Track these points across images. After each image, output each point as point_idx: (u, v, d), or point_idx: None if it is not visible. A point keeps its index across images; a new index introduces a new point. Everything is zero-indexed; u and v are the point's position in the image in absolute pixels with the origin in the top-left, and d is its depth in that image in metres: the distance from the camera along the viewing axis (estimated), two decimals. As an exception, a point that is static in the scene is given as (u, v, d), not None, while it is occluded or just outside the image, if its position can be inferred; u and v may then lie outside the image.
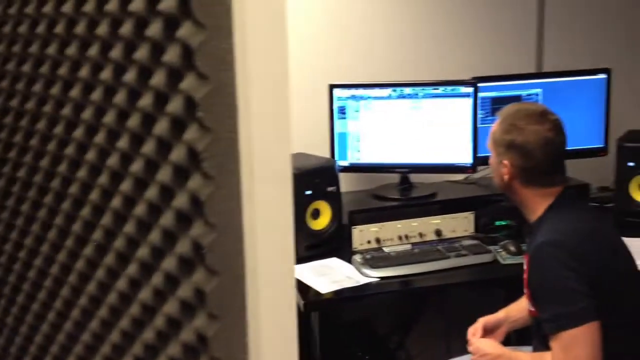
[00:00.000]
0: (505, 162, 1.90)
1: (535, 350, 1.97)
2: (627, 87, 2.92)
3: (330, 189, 2.52)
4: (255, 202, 0.78)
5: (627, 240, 1.91)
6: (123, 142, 0.92)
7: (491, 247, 2.51)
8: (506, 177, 1.91)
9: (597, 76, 2.74)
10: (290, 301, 0.84)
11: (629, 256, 1.89)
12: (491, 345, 2.01)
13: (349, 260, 2.46)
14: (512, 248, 2.47)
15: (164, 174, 0.86)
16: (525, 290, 1.95)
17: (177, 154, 0.83)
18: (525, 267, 1.93)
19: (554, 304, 1.75)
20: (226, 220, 0.81)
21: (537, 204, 1.89)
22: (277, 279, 0.83)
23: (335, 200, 2.53)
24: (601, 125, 2.77)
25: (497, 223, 2.67)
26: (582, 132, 2.71)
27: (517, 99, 2.71)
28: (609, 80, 2.74)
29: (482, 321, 2.12)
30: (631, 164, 2.60)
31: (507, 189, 1.95)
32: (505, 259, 2.45)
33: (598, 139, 2.78)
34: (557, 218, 1.84)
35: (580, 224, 1.84)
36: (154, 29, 0.84)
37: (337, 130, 2.71)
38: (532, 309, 1.90)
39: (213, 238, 0.81)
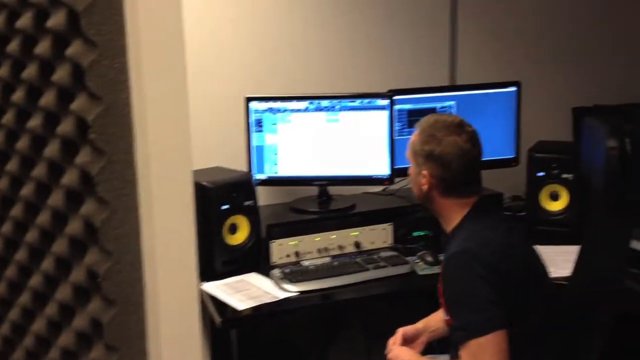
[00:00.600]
0: (425, 172, 1.92)
1: (452, 358, 1.99)
2: (536, 99, 3.01)
3: (247, 203, 2.48)
4: (154, 226, 0.75)
5: (539, 248, 1.96)
6: (12, 165, 0.87)
7: (409, 258, 2.53)
8: (425, 187, 1.93)
9: (508, 89, 2.82)
10: (194, 329, 0.81)
11: (541, 265, 1.93)
12: (409, 354, 2.03)
13: (268, 275, 2.43)
14: (429, 258, 2.50)
15: (56, 199, 0.82)
16: (440, 300, 1.97)
17: (69, 178, 0.79)
18: (440, 276, 1.95)
19: (464, 312, 1.77)
20: (123, 246, 0.77)
21: (454, 213, 1.92)
22: (179, 306, 0.80)
23: (253, 214, 2.50)
24: (512, 137, 2.84)
25: (415, 234, 2.69)
26: (494, 143, 2.77)
27: (432, 111, 2.75)
28: (518, 92, 2.82)
29: (401, 332, 2.13)
30: (541, 173, 2.67)
31: (425, 199, 1.97)
32: (423, 269, 2.47)
33: (509, 150, 2.85)
34: (471, 228, 1.87)
35: (493, 233, 1.87)
36: (43, 47, 0.80)
37: (254, 143, 2.68)
38: (447, 318, 1.92)
39: (109, 265, 0.77)
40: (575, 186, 2.63)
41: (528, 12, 3.12)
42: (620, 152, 1.70)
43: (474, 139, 1.91)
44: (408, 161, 2.02)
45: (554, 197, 2.69)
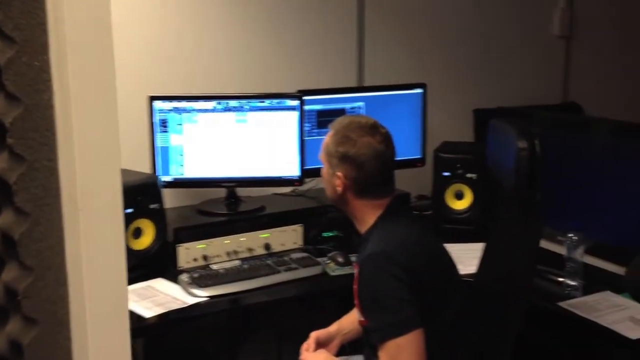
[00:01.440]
0: (339, 173, 1.91)
1: (366, 359, 1.99)
2: (440, 101, 3.07)
3: (152, 206, 2.39)
4: (80, 239, 0.69)
5: (446, 247, 2.00)
6: None
7: (320, 259, 2.52)
8: (339, 188, 1.92)
9: (414, 90, 2.86)
10: (125, 348, 0.75)
11: (452, 263, 1.97)
12: (322, 357, 2.02)
13: (176, 281, 2.36)
14: (340, 259, 2.50)
15: (-32, 211, 0.74)
16: (355, 301, 1.97)
17: (-17, 187, 0.71)
18: (355, 277, 1.95)
19: (380, 313, 1.78)
20: (45, 261, 0.70)
21: (368, 215, 1.92)
22: (109, 324, 0.74)
23: (158, 217, 2.41)
24: (418, 137, 2.89)
25: (325, 234, 2.69)
26: (401, 144, 2.78)
27: (341, 112, 2.76)
28: (424, 94, 2.87)
29: (314, 336, 2.12)
30: (447, 173, 2.73)
31: (339, 200, 1.96)
32: (334, 270, 2.46)
33: (416, 150, 2.90)
34: (386, 229, 1.87)
35: (407, 233, 1.89)
36: (-49, 43, 0.72)
37: (158, 144, 2.59)
38: (362, 319, 1.92)
39: (30, 282, 0.71)
40: (479, 185, 2.70)
41: (433, 16, 3.18)
42: (530, 153, 1.75)
43: (387, 140, 1.92)
44: (321, 162, 2.01)
45: (459, 196, 2.75)
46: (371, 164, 1.87)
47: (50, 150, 0.69)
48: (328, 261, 2.51)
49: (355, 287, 1.90)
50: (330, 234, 2.69)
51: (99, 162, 0.71)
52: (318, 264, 2.48)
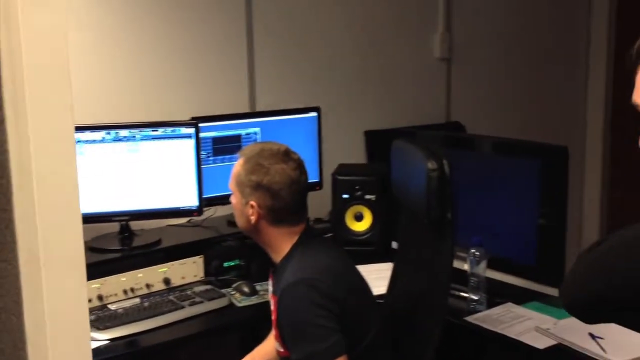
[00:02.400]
0: (253, 202, 1.86)
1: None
2: (333, 124, 3.09)
3: (43, 246, 2.23)
4: (43, 298, 0.60)
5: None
6: None
7: (224, 291, 2.44)
8: (253, 217, 1.87)
9: (309, 114, 2.86)
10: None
11: (368, 287, 1.96)
12: None
13: (72, 325, 2.20)
14: (246, 289, 2.43)
15: None
16: (274, 332, 1.92)
17: None
18: (273, 307, 1.90)
19: (305, 343, 1.74)
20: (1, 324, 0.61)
21: (283, 243, 1.88)
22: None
23: (50, 258, 2.25)
24: (315, 161, 2.88)
25: (227, 264, 2.61)
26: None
27: (237, 138, 2.70)
28: (319, 117, 2.87)
29: (225, 371, 2.04)
30: (346, 195, 2.74)
31: (253, 230, 1.91)
32: (241, 300, 2.39)
33: (313, 174, 2.89)
34: (303, 256, 1.84)
35: (326, 259, 1.87)
36: None
37: (45, 179, 2.42)
38: (282, 350, 1.87)
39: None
40: (379, 206, 2.73)
41: (322, 39, 3.20)
42: (440, 173, 1.79)
43: (301, 166, 1.90)
44: (232, 191, 1.95)
45: (359, 217, 2.77)
46: (286, 192, 1.84)
47: (5, 197, 0.60)
48: (233, 292, 2.44)
49: (274, 317, 1.85)
50: (232, 264, 2.62)
51: (61, 212, 0.63)
52: (223, 295, 2.40)
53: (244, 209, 1.89)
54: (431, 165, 1.81)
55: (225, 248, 2.62)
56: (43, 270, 0.61)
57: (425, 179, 1.81)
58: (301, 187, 1.89)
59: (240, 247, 2.62)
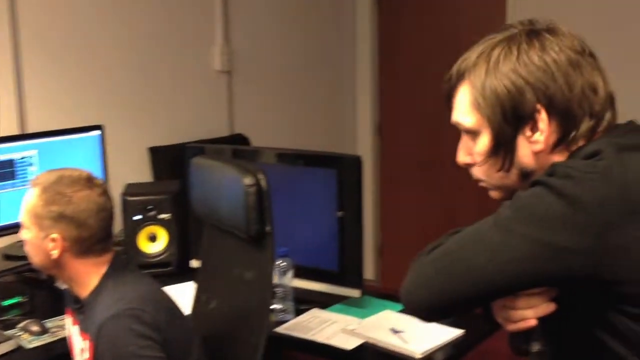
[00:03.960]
0: (54, 236, 1.68)
1: None
2: (118, 141, 2.92)
3: None
4: None
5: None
6: None
7: (9, 332, 2.19)
8: (55, 252, 1.70)
9: (90, 133, 2.67)
10: None
11: (181, 310, 1.89)
12: None
13: None
14: (35, 328, 2.21)
15: None
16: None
17: None
18: (84, 346, 1.74)
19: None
20: None
21: (91, 275, 1.73)
22: None
23: None
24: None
25: (6, 302, 2.35)
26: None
27: (9, 163, 2.45)
28: (102, 136, 2.69)
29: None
30: (137, 216, 2.61)
31: (53, 266, 1.73)
32: (31, 341, 2.17)
33: (100, 196, 2.71)
34: (117, 286, 1.72)
35: (143, 287, 1.76)
36: None
37: None
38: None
39: None
40: (174, 225, 2.64)
41: (96, 54, 3.02)
42: (258, 188, 1.77)
43: (106, 192, 1.78)
44: (25, 227, 1.76)
45: (152, 238, 2.66)
46: (93, 220, 1.70)
47: None
48: (20, 332, 2.21)
49: (89, 356, 1.71)
50: (13, 301, 2.37)
51: None
52: (9, 338, 2.16)
53: (42, 244, 1.71)
54: (248, 180, 1.79)
55: (2, 285, 2.37)
56: None
57: (243, 195, 1.78)
58: (108, 214, 1.76)
59: (20, 282, 2.39)
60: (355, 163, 2.32)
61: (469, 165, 1.23)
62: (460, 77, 1.18)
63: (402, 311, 2.26)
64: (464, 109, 1.18)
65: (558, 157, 1.14)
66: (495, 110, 1.13)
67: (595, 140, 1.13)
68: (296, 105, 3.99)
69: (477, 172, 1.23)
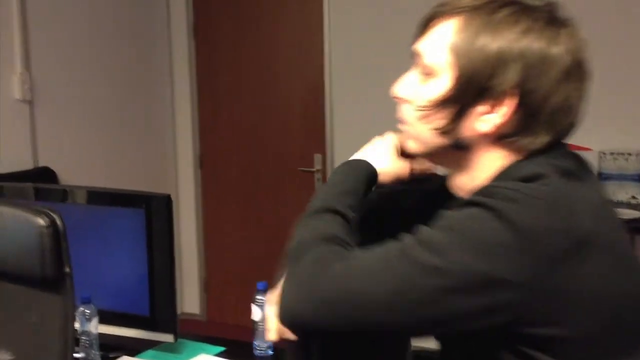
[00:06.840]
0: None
1: None
2: None
3: None
4: None
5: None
6: None
7: None
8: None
9: None
10: None
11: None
12: None
13: None
14: None
15: None
16: None
17: None
18: None
19: None
20: None
21: None
22: None
23: None
24: None
25: None
26: None
27: None
28: None
29: None
30: None
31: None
32: None
33: None
34: None
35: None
36: None
37: None
38: None
39: None
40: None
41: None
42: (54, 229, 1.63)
43: None
44: None
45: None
46: None
47: None
48: None
49: None
50: None
51: None
52: None
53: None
54: (43, 221, 1.63)
55: None
56: None
57: (38, 237, 1.62)
58: None
59: None
60: (164, 202, 2.21)
61: (401, 101, 1.10)
62: (455, 10, 1.03)
63: (219, 354, 2.18)
64: (439, 44, 1.04)
65: (491, 154, 1.04)
66: (473, 66, 1.00)
67: (531, 160, 1.02)
68: (111, 138, 3.80)
69: (407, 114, 1.09)
